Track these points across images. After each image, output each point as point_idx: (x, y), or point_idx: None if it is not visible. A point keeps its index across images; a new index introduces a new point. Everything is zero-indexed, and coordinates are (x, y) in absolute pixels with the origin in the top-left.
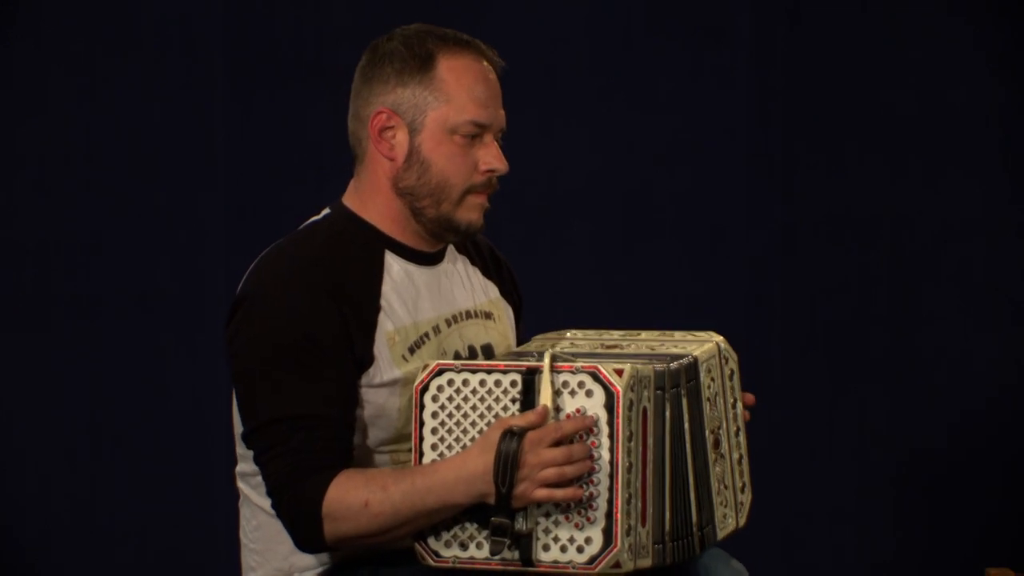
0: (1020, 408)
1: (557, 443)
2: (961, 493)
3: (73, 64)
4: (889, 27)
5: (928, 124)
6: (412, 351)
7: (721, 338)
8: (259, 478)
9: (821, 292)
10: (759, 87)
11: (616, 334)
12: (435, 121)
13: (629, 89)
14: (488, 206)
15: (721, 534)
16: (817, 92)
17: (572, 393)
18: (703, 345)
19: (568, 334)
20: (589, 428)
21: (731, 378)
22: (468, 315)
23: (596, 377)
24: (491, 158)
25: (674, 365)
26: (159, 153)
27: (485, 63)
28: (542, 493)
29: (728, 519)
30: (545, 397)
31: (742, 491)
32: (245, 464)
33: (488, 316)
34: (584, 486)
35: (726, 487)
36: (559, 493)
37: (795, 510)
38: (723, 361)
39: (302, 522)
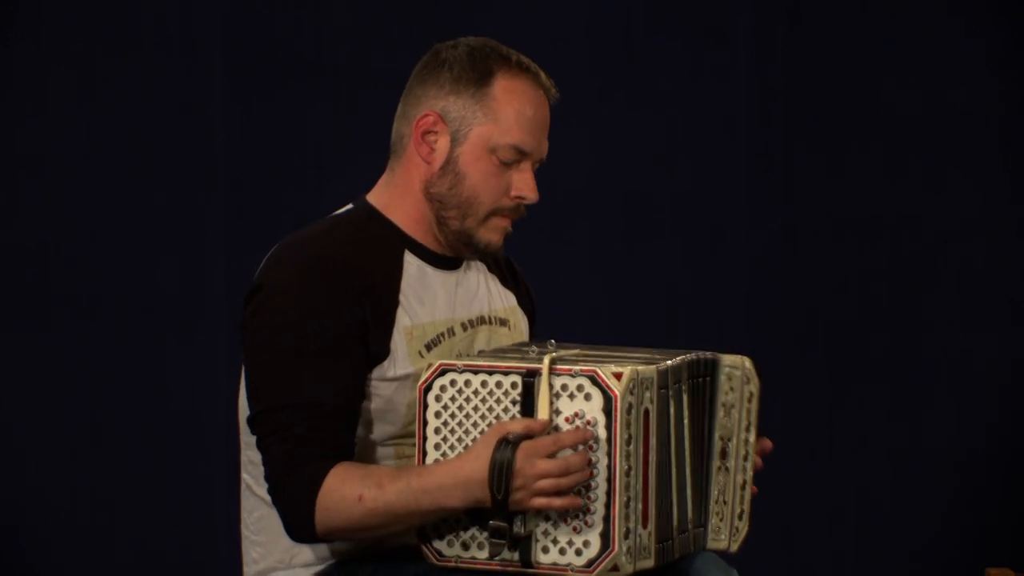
0: (1020, 408)
1: (554, 453)
2: (961, 493)
3: (73, 64)
4: (889, 27)
5: (928, 124)
6: (428, 348)
7: (748, 360)
8: (262, 469)
9: (821, 292)
10: (759, 87)
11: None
12: (479, 136)
13: (629, 89)
14: (511, 231)
15: (710, 544)
16: (817, 92)
17: (571, 396)
18: (730, 356)
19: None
20: (587, 439)
21: (750, 400)
22: (483, 321)
23: (594, 380)
24: (524, 185)
25: (677, 360)
26: (159, 153)
27: (541, 92)
28: (540, 502)
29: (721, 534)
30: (543, 403)
31: (739, 518)
32: (251, 451)
33: (504, 323)
34: (581, 491)
35: (725, 502)
36: (556, 502)
37: (795, 510)
38: (745, 379)
39: (295, 508)
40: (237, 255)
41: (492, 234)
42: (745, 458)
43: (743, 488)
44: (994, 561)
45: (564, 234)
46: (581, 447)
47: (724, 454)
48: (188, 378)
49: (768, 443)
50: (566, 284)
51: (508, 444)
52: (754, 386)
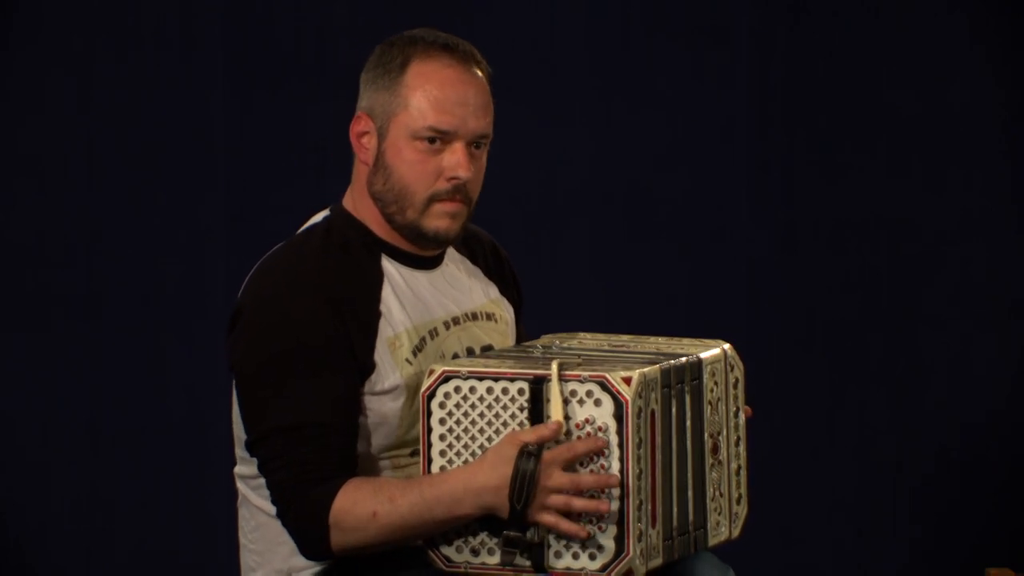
0: (1020, 408)
1: (569, 463)
2: (961, 493)
3: (73, 64)
4: (889, 27)
5: (929, 124)
6: (414, 355)
7: (728, 345)
8: (259, 480)
9: (821, 293)
10: (759, 87)
11: (625, 338)
12: (397, 127)
13: (629, 89)
14: (462, 212)
15: (712, 541)
16: (817, 92)
17: (580, 402)
18: (710, 349)
19: (578, 336)
20: (601, 450)
21: (735, 386)
22: (468, 317)
23: (604, 386)
24: (454, 164)
25: (677, 362)
26: (159, 153)
27: (462, 69)
28: (549, 519)
29: (721, 527)
30: (556, 410)
31: (738, 502)
32: (244, 466)
33: (489, 317)
34: (594, 494)
35: (721, 495)
36: (564, 525)
37: (795, 510)
38: (728, 368)
39: (309, 532)
40: (237, 255)
41: (438, 221)
42: (737, 443)
43: (738, 473)
44: (994, 561)
45: (564, 234)
46: (594, 469)
47: (716, 450)
48: (188, 378)
49: (747, 410)
50: (566, 284)
51: (531, 456)
52: (739, 371)
